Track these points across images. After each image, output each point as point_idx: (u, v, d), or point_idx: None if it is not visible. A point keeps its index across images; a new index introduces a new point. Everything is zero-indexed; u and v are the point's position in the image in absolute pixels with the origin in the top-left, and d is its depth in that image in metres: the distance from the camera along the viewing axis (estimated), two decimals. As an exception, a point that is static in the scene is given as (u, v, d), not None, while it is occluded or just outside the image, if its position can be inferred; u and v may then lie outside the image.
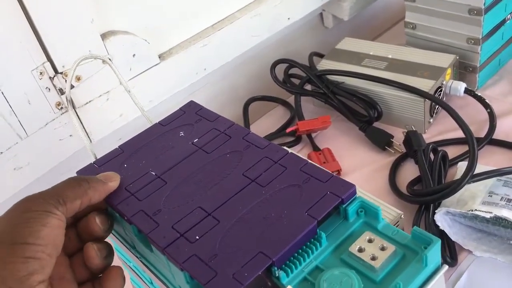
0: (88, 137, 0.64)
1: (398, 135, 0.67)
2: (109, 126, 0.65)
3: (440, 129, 0.68)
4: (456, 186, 0.53)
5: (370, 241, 0.32)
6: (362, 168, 0.66)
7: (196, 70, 0.70)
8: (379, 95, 0.68)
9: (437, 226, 0.53)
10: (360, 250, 0.31)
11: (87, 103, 0.62)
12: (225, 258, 0.30)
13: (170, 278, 0.34)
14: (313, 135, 0.71)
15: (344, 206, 0.33)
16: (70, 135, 0.62)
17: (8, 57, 0.54)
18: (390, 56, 0.73)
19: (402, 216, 0.52)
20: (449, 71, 0.69)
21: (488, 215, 0.50)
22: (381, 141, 0.67)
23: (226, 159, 0.38)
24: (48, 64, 0.57)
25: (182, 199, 0.35)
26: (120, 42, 0.62)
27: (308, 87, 0.74)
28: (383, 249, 0.31)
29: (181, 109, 0.44)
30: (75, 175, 0.39)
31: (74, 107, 0.61)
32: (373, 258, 0.31)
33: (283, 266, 0.31)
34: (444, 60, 0.69)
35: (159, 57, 0.67)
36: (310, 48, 0.83)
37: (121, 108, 0.65)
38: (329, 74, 0.71)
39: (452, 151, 0.64)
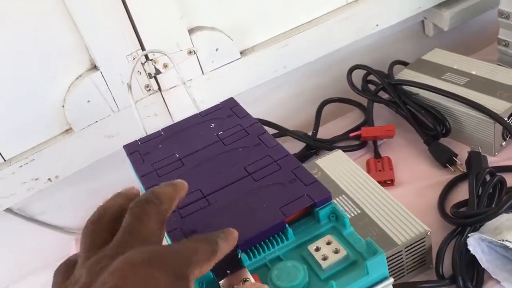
0: (171, 116, 0.73)
1: (466, 154, 0.66)
2: (189, 109, 0.73)
3: (513, 154, 0.66)
4: (492, 213, 0.52)
5: (328, 243, 0.35)
6: (417, 182, 0.66)
7: (276, 67, 0.76)
8: (451, 111, 0.67)
9: (468, 251, 0.52)
10: (317, 249, 0.35)
11: (171, 88, 0.71)
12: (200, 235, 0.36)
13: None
14: (379, 142, 0.72)
15: (317, 209, 0.37)
16: (155, 114, 0.72)
17: (109, 43, 0.65)
18: (473, 72, 0.71)
19: (429, 233, 0.52)
20: (532, 94, 0.65)
21: (516, 248, 0.49)
22: (443, 158, 0.66)
23: (237, 153, 0.43)
24: (140, 52, 0.67)
25: (189, 180, 0.41)
26: (205, 37, 0.70)
27: (386, 95, 0.75)
28: (336, 252, 0.34)
29: (220, 104, 0.50)
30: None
31: (160, 90, 0.71)
32: (324, 259, 0.34)
33: (248, 250, 0.36)
34: (529, 82, 0.66)
35: (241, 53, 0.73)
36: (409, 54, 0.83)
37: (202, 95, 0.73)
38: (402, 84, 0.71)
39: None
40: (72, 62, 0.65)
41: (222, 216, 0.37)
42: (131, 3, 0.63)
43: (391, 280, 0.33)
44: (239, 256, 0.35)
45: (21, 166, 0.66)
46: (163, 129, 0.49)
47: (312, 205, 0.37)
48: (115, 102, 0.68)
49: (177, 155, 0.45)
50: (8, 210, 0.72)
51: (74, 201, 0.78)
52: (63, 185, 0.75)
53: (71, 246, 0.74)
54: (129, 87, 0.52)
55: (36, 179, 0.68)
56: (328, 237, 0.35)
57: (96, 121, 0.68)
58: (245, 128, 0.45)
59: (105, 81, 0.66)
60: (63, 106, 0.66)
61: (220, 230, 0.33)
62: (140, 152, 0.46)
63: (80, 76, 0.66)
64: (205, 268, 0.30)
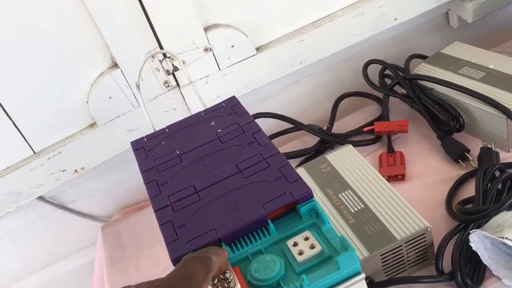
0: (189, 111, 0.76)
1: (479, 150, 0.65)
2: (208, 104, 0.76)
3: (529, 150, 0.65)
4: (494, 210, 0.52)
5: (306, 239, 0.37)
6: (428, 176, 0.66)
7: (292, 63, 0.77)
8: (465, 106, 0.67)
9: (470, 247, 0.53)
10: (295, 244, 0.37)
11: (189, 83, 0.74)
12: (189, 228, 0.39)
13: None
14: (393, 137, 0.73)
15: (299, 206, 0.39)
16: (174, 109, 0.75)
17: (128, 42, 0.68)
18: (491, 67, 0.70)
19: (429, 229, 0.53)
20: (549, 89, 0.64)
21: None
22: (455, 153, 0.66)
23: (232, 150, 0.45)
24: (158, 49, 0.70)
25: (185, 176, 0.44)
26: (220, 35, 0.72)
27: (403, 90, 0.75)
28: (312, 247, 0.36)
29: (222, 102, 0.52)
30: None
31: (178, 86, 0.74)
32: (300, 253, 0.36)
33: (232, 244, 0.38)
34: (547, 77, 0.64)
35: (257, 49, 0.75)
36: (434, 46, 0.82)
37: (218, 90, 0.75)
38: (417, 79, 0.71)
39: (532, 176, 0.60)
40: (94, 61, 0.69)
41: (210, 210, 0.40)
42: (148, 4, 0.66)
43: (363, 275, 0.34)
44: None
45: (49, 158, 0.71)
46: (168, 126, 0.51)
47: (294, 202, 0.38)
48: (135, 98, 0.72)
49: (177, 152, 0.47)
50: (41, 198, 0.78)
51: (102, 191, 0.83)
52: (91, 176, 0.79)
53: (99, 233, 0.79)
54: (138, 87, 0.55)
55: (63, 170, 0.73)
56: (306, 233, 0.37)
57: (118, 116, 0.72)
58: (241, 126, 0.48)
59: (125, 78, 0.70)
60: (87, 102, 0.71)
61: (211, 246, 0.37)
62: (145, 148, 0.49)
63: (102, 73, 0.70)
64: (205, 285, 0.33)
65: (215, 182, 0.42)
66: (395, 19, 0.79)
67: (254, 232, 0.38)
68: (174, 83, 0.73)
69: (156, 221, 0.41)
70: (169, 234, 0.39)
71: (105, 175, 0.81)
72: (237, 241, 0.38)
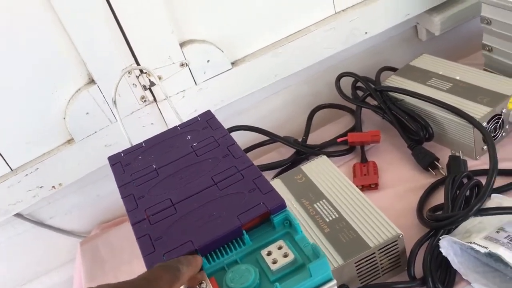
0: (167, 125, 0.77)
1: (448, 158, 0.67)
2: (184, 118, 0.77)
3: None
4: (462, 216, 0.54)
5: (279, 248, 0.38)
6: (400, 185, 0.68)
7: (267, 76, 0.79)
8: (434, 116, 0.69)
9: (440, 253, 0.55)
10: (269, 253, 0.38)
11: (165, 98, 0.75)
12: (166, 240, 0.40)
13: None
14: (366, 147, 0.75)
15: (272, 216, 0.40)
16: (152, 123, 0.76)
17: (105, 58, 0.69)
18: (457, 78, 0.73)
19: (401, 236, 0.55)
20: (512, 99, 0.67)
21: (483, 250, 0.51)
22: (425, 162, 0.68)
23: (207, 163, 0.46)
24: (135, 65, 0.71)
25: (162, 190, 0.45)
26: (196, 50, 0.73)
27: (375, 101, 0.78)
28: (285, 256, 0.37)
29: (198, 116, 0.54)
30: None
31: (155, 100, 0.75)
32: (274, 262, 0.37)
33: (208, 255, 0.39)
34: (511, 87, 0.67)
35: (232, 64, 0.77)
36: (404, 59, 0.85)
37: (195, 105, 0.77)
38: (387, 91, 0.74)
39: (499, 182, 0.63)
40: (71, 77, 0.69)
41: (186, 223, 0.41)
42: (124, 20, 0.67)
43: (334, 281, 0.36)
44: (199, 260, 0.39)
45: (26, 175, 0.71)
46: (144, 141, 0.52)
47: (268, 213, 0.40)
48: (112, 113, 0.72)
49: (154, 166, 0.48)
50: (18, 215, 0.78)
51: (80, 207, 0.83)
52: (69, 192, 0.80)
53: (77, 249, 0.79)
54: (114, 103, 0.56)
55: (41, 187, 0.73)
56: (280, 242, 0.38)
57: (95, 132, 0.72)
58: (216, 140, 0.49)
59: (102, 93, 0.71)
60: (64, 118, 0.71)
61: (184, 256, 0.37)
62: (122, 163, 0.50)
63: (79, 89, 0.70)
64: None
65: (191, 194, 0.44)
66: (366, 33, 0.82)
67: (230, 243, 0.39)
68: (151, 98, 0.74)
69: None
70: (146, 247, 0.40)
71: (83, 190, 0.81)
72: (213, 252, 0.39)
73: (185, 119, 0.77)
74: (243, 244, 0.39)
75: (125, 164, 0.50)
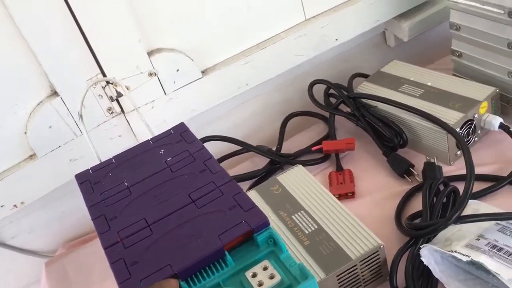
0: (135, 137, 0.74)
1: (423, 165, 0.67)
2: (154, 130, 0.74)
3: (470, 163, 0.67)
4: (442, 224, 0.54)
5: (265, 268, 0.36)
6: (377, 193, 0.67)
7: (238, 85, 0.77)
8: (407, 122, 0.69)
9: (421, 262, 0.54)
10: (254, 275, 0.36)
11: (134, 109, 0.72)
12: (142, 265, 0.37)
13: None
14: (341, 155, 0.74)
15: (255, 235, 0.38)
16: (119, 136, 0.73)
17: (68, 69, 0.66)
18: (429, 84, 0.73)
19: (382, 246, 0.54)
20: (484, 104, 0.67)
21: (465, 258, 0.50)
22: (400, 169, 0.67)
23: (183, 179, 0.44)
24: (100, 76, 0.68)
25: (136, 210, 0.42)
26: (165, 59, 0.71)
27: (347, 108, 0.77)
28: (271, 277, 0.35)
29: (171, 129, 0.51)
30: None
31: (123, 112, 0.72)
32: (260, 284, 0.35)
33: (188, 279, 0.37)
34: (481, 92, 0.68)
35: (202, 72, 0.74)
36: (373, 65, 0.84)
37: (165, 115, 0.74)
38: (361, 98, 0.73)
39: (474, 187, 0.62)
40: (32, 89, 0.66)
41: (164, 244, 0.38)
42: (87, 29, 0.64)
43: (323, 302, 0.34)
44: (180, 285, 0.36)
45: (-15, 194, 0.67)
46: (114, 157, 0.50)
47: (250, 231, 0.38)
48: (77, 126, 0.69)
49: (126, 184, 0.46)
50: (-23, 236, 0.73)
51: (43, 225, 0.79)
52: (32, 210, 0.75)
53: (42, 270, 0.75)
54: (80, 116, 0.53)
55: (1, 206, 0.69)
56: (264, 263, 0.36)
57: (60, 146, 0.69)
58: (192, 154, 0.46)
59: (66, 106, 0.67)
60: (25, 133, 0.67)
61: (157, 282, 0.34)
62: (90, 181, 0.47)
63: (40, 102, 0.67)
64: None
65: (168, 214, 0.41)
66: (336, 39, 0.81)
67: (211, 265, 0.37)
68: (118, 110, 0.71)
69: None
70: (121, 273, 0.37)
71: (47, 208, 0.77)
72: (193, 276, 0.37)
73: (154, 131, 0.74)
74: (225, 266, 0.37)
75: (94, 183, 0.47)
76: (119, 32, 0.66)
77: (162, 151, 0.48)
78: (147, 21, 0.68)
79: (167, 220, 0.40)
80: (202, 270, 0.37)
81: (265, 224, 0.38)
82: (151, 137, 0.51)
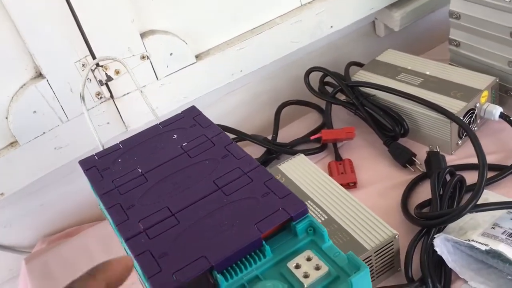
0: (125, 125, 0.70)
1: (424, 154, 0.66)
2: (144, 117, 0.70)
3: (469, 152, 0.66)
4: (456, 213, 0.53)
5: (308, 259, 0.33)
6: (379, 183, 0.66)
7: (232, 71, 0.74)
8: (408, 111, 0.68)
9: (435, 252, 0.53)
10: (297, 266, 0.33)
11: (124, 94, 0.67)
12: (173, 257, 0.34)
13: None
14: (338, 144, 0.72)
15: (294, 223, 0.35)
16: (108, 123, 0.68)
17: (54, 49, 0.60)
18: (427, 73, 0.72)
19: (397, 236, 0.52)
20: (485, 93, 0.67)
21: (483, 247, 0.50)
22: (403, 158, 0.66)
23: (204, 165, 0.41)
24: (90, 58, 0.63)
25: (155, 198, 0.39)
26: (158, 41, 0.67)
27: (343, 96, 0.75)
28: (317, 268, 0.33)
29: (181, 113, 0.48)
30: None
31: (112, 97, 0.67)
32: (306, 276, 0.32)
33: (224, 271, 0.34)
34: (482, 82, 0.67)
35: (196, 57, 0.71)
36: (362, 55, 0.83)
37: (156, 102, 0.70)
38: (360, 86, 0.71)
39: (476, 177, 0.62)
40: (14, 70, 0.60)
41: (194, 235, 0.35)
42: (78, 6, 0.59)
43: (375, 294, 0.32)
44: (215, 278, 0.33)
45: (-39, 184, 0.61)
46: (121, 142, 0.46)
47: (289, 219, 0.35)
48: (63, 111, 0.64)
49: (140, 170, 0.42)
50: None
51: (21, 218, 0.73)
52: (9, 202, 0.70)
53: (21, 266, 0.69)
54: (82, 97, 0.48)
55: (-22, 198, 0.63)
56: (307, 253, 0.34)
57: (44, 133, 0.64)
58: (210, 139, 0.43)
59: (52, 89, 0.62)
60: (6, 118, 0.62)
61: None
62: (98, 167, 0.43)
63: (24, 85, 0.61)
64: None
65: (192, 202, 0.38)
66: (331, 26, 0.79)
67: (248, 256, 0.34)
68: (107, 95, 0.66)
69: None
70: (149, 266, 0.34)
71: (25, 200, 0.72)
72: (230, 268, 0.34)
73: (143, 118, 0.71)
74: (263, 257, 0.34)
75: (102, 169, 0.43)
76: (112, 10, 0.61)
77: (175, 136, 0.44)
78: (141, 0, 0.64)
79: (193, 209, 0.37)
80: (239, 262, 0.34)
81: (305, 211, 0.35)
82: (158, 119, 0.47)
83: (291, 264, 0.33)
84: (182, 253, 0.34)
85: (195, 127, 0.45)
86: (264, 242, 0.34)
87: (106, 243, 0.67)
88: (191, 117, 0.46)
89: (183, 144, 0.43)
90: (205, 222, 0.36)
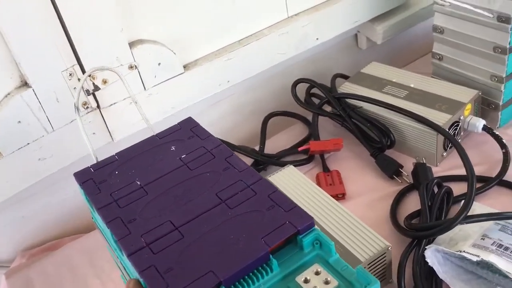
0: (111, 136, 0.68)
1: (410, 166, 0.67)
2: (131, 128, 0.69)
3: (453, 164, 0.68)
4: (448, 225, 0.53)
5: (317, 273, 0.33)
6: (367, 194, 0.66)
7: (220, 81, 0.74)
8: (394, 123, 0.69)
9: (426, 263, 0.53)
10: (306, 281, 0.33)
11: (111, 104, 0.66)
12: (179, 272, 0.33)
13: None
14: (326, 155, 0.72)
15: (300, 236, 0.35)
16: (93, 133, 0.67)
17: (41, 58, 0.59)
18: (412, 85, 0.73)
19: (389, 248, 0.53)
20: (468, 106, 0.68)
21: (475, 258, 0.50)
22: (390, 170, 0.67)
23: (206, 178, 0.40)
24: (77, 67, 0.62)
25: (156, 211, 0.38)
26: (147, 51, 0.66)
27: (329, 108, 0.76)
28: (326, 283, 0.33)
29: (178, 124, 0.47)
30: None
31: (99, 107, 0.66)
32: (315, 290, 0.32)
33: (232, 286, 0.33)
34: (465, 95, 0.69)
35: (184, 67, 0.70)
36: (344, 67, 0.84)
37: (144, 112, 0.68)
38: (347, 98, 0.72)
39: (461, 188, 0.63)
40: (-1, 79, 0.58)
41: (199, 249, 0.35)
42: (66, 14, 0.58)
43: (385, 308, 0.32)
44: (223, 294, 0.33)
45: None
46: (117, 154, 0.45)
47: (295, 233, 0.35)
48: (49, 121, 0.62)
49: (138, 183, 0.41)
50: None
51: (2, 231, 0.70)
52: (-12, 215, 0.67)
53: (1, 282, 0.67)
54: (77, 108, 0.47)
55: (-42, 210, 0.60)
56: (315, 267, 0.34)
57: (28, 143, 0.62)
58: (210, 151, 0.43)
59: (38, 99, 0.60)
60: (-11, 128, 0.60)
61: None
62: (94, 180, 0.42)
63: (8, 94, 0.60)
64: None
65: (196, 215, 0.37)
66: (317, 38, 0.80)
67: (255, 270, 0.34)
68: (94, 105, 0.65)
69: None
70: (155, 282, 0.33)
71: (5, 212, 0.69)
72: (237, 283, 0.33)
73: (131, 129, 0.70)
74: (270, 271, 0.34)
75: (99, 182, 0.42)
76: (101, 19, 0.60)
77: (173, 148, 0.44)
78: (130, 10, 0.63)
79: (197, 222, 0.37)
80: (246, 277, 0.34)
81: (311, 225, 0.35)
82: (152, 130, 0.46)
83: (299, 279, 0.33)
84: (188, 268, 0.33)
85: (193, 139, 0.44)
86: (271, 256, 0.34)
87: (91, 257, 0.65)
88: (189, 128, 0.46)
89: (182, 156, 0.43)
90: (210, 236, 0.35)
